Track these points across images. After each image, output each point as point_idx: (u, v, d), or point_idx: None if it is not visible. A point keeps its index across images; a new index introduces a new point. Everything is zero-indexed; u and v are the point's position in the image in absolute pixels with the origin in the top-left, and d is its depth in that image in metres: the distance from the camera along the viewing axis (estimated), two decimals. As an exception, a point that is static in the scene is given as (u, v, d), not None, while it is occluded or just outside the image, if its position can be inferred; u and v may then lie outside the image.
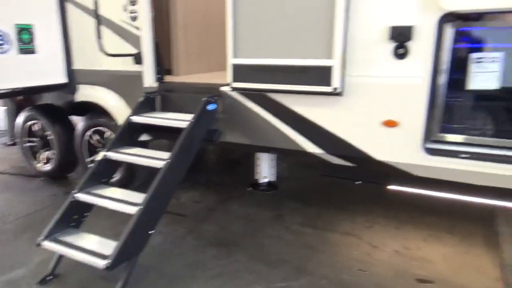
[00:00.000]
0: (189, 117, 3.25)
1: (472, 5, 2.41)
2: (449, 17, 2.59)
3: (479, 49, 2.70)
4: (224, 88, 3.44)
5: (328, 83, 2.87)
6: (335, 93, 2.89)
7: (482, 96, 2.81)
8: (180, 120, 3.31)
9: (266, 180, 4.50)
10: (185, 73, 4.41)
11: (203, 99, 3.33)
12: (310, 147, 3.24)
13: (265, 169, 4.46)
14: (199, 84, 3.78)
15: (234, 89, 3.31)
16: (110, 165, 3.39)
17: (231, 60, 3.19)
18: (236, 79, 3.23)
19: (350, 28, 2.80)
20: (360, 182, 3.98)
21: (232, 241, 3.47)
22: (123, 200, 2.94)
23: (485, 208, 3.97)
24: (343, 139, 3.09)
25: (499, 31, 2.67)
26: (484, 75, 2.69)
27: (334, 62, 2.81)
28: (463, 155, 2.77)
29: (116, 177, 4.13)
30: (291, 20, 2.92)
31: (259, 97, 3.30)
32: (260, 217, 3.94)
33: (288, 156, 4.88)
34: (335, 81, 2.85)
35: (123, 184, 4.03)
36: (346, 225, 3.81)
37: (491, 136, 2.80)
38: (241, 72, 3.18)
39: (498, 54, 2.64)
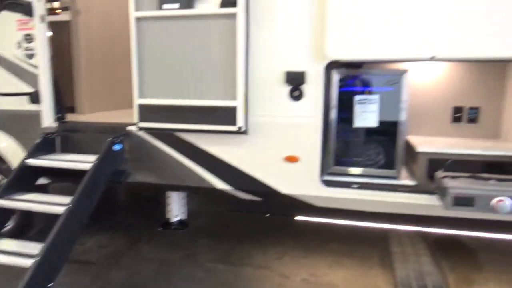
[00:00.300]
0: (93, 158, 3.13)
1: (352, 55, 2.79)
2: (334, 64, 2.96)
3: (360, 92, 3.11)
4: (131, 128, 3.40)
5: (233, 123, 3.03)
6: (240, 132, 3.05)
7: (367, 132, 3.20)
8: (83, 161, 3.17)
9: (177, 218, 4.44)
10: (90, 111, 4.25)
11: (108, 139, 3.25)
12: (219, 184, 3.33)
13: (176, 208, 4.41)
14: (104, 124, 3.68)
15: (141, 128, 3.30)
16: (1, 214, 3.08)
17: (137, 100, 3.20)
18: (142, 118, 3.23)
19: (251, 72, 3.03)
20: (268, 215, 4.15)
21: (143, 287, 3.33)
22: (17, 253, 2.69)
23: (379, 232, 4.41)
24: (250, 174, 3.24)
25: (377, 76, 3.11)
26: (365, 115, 3.10)
27: (238, 103, 2.99)
28: (354, 185, 3.09)
29: (9, 226, 3.73)
30: (196, 63, 3.06)
31: (167, 136, 3.33)
32: (172, 258, 3.85)
33: (198, 194, 4.90)
34: (240, 121, 3.02)
35: (18, 233, 3.65)
36: (258, 258, 3.91)
37: (376, 167, 3.18)
38: (147, 112, 3.19)
39: (376, 96, 3.07)
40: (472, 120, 3.56)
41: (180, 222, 4.48)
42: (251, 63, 3.01)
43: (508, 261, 3.80)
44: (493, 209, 2.39)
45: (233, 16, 2.86)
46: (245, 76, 2.96)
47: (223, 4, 2.88)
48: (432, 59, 2.66)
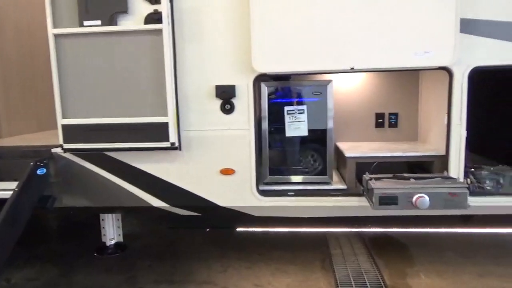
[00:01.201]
0: (13, 185, 2.91)
1: (276, 69, 2.89)
2: (263, 77, 3.05)
3: (290, 103, 3.23)
4: (56, 150, 3.21)
5: (165, 139, 2.99)
6: (173, 148, 3.02)
7: (299, 141, 3.32)
8: (2, 190, 2.93)
9: (113, 242, 4.24)
10: (8, 134, 3.95)
11: (30, 163, 3.04)
12: (155, 202, 3.25)
13: (111, 231, 4.22)
14: (25, 147, 3.43)
15: (67, 150, 3.13)
16: None
17: (61, 121, 3.04)
18: (68, 140, 3.07)
19: (181, 87, 3.02)
20: (209, 229, 4.13)
21: (78, 318, 3.14)
22: None
23: (320, 236, 4.55)
24: (186, 190, 3.21)
25: (303, 87, 3.25)
26: (296, 124, 3.22)
27: (169, 119, 2.95)
28: (290, 193, 3.18)
29: None
30: (123, 80, 2.98)
31: (96, 156, 3.19)
32: (110, 284, 3.66)
33: (135, 214, 4.74)
34: (172, 137, 2.98)
35: None
36: (203, 274, 3.85)
37: (309, 174, 3.30)
38: (73, 133, 3.04)
39: (304, 107, 3.20)
40: (393, 124, 3.85)
41: (117, 245, 4.28)
42: (181, 78, 3.01)
43: (435, 253, 4.11)
44: (414, 205, 2.59)
45: (158, 32, 2.84)
46: (175, 92, 2.94)
47: (147, 21, 2.85)
48: (352, 70, 2.85)
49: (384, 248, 4.32)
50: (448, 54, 2.74)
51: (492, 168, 3.26)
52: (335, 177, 3.51)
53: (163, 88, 2.91)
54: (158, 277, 3.79)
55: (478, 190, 3.16)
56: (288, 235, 4.57)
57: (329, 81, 3.21)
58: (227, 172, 3.13)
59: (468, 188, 3.12)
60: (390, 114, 3.84)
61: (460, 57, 2.78)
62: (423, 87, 3.67)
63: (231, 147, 3.09)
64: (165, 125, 2.96)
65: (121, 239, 4.38)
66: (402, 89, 3.82)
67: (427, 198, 2.56)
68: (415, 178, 2.76)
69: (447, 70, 2.85)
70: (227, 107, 3.03)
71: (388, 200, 2.61)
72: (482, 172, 3.26)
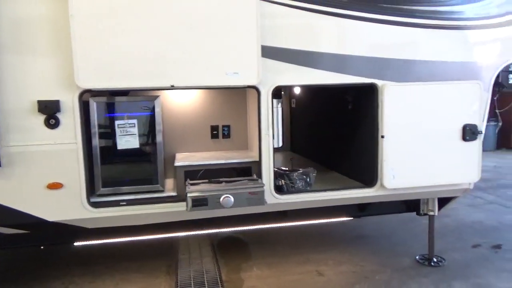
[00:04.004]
0: None
1: (100, 85, 3.03)
2: (89, 93, 3.16)
3: (120, 117, 3.40)
4: None
5: (-20, 156, 2.88)
6: (-8, 165, 2.92)
7: (131, 153, 3.49)
8: None
9: None
10: None
11: None
12: (-26, 222, 3.08)
13: None
14: None
15: None
16: None
17: None
18: None
19: (1, 101, 2.95)
20: (43, 247, 4.02)
21: None
22: None
23: (170, 242, 4.76)
24: (10, 207, 3.11)
25: (132, 103, 3.46)
26: (127, 138, 3.40)
27: (-16, 135, 2.87)
28: (122, 203, 3.33)
29: None
30: None
31: None
32: None
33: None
34: (-12, 153, 2.89)
35: None
36: (40, 294, 3.74)
37: (142, 184, 3.50)
38: None
39: (134, 121, 3.41)
40: (226, 136, 4.30)
41: None
42: (0, 92, 2.94)
43: (268, 248, 4.67)
44: (221, 205, 2.98)
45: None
46: (-10, 106, 2.87)
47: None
48: (172, 87, 3.15)
49: (228, 249, 4.75)
50: (253, 75, 3.24)
51: (301, 170, 3.89)
52: (170, 185, 3.78)
53: (-25, 103, 2.82)
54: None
55: (291, 189, 3.75)
56: (137, 245, 4.68)
57: (156, 96, 3.48)
58: (54, 186, 3.14)
59: (281, 187, 3.71)
60: (223, 126, 4.30)
61: (265, 77, 3.30)
62: (249, 102, 4.20)
63: (58, 161, 3.11)
64: (-21, 141, 2.86)
65: None
66: (233, 103, 4.30)
67: (231, 198, 2.98)
68: (226, 182, 3.17)
69: (255, 88, 3.35)
70: (52, 121, 3.06)
71: (199, 202, 2.95)
72: (294, 174, 3.87)
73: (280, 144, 6.17)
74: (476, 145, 3.71)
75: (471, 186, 3.91)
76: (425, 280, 3.85)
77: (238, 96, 4.28)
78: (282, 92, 6.09)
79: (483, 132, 3.74)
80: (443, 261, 4.21)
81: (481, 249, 4.57)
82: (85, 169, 3.18)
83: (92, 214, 3.26)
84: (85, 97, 3.23)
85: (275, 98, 4.31)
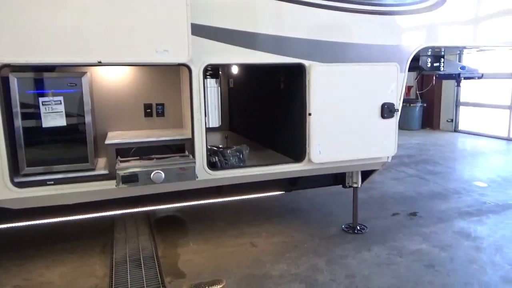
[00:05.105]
0: None
1: (19, 60, 2.89)
2: (9, 68, 3.01)
3: (45, 94, 3.28)
4: None
5: None
6: None
7: (59, 131, 3.39)
8: None
9: None
10: None
11: None
12: None
13: None
14: None
15: None
16: None
17: None
18: None
19: None
20: None
21: None
22: None
23: (107, 222, 4.73)
24: None
25: (58, 79, 3.35)
26: (53, 115, 3.30)
27: None
28: (50, 182, 3.25)
29: None
30: None
31: None
32: None
33: None
34: None
35: None
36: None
37: (71, 162, 3.44)
38: None
39: (60, 98, 3.31)
40: (160, 114, 4.31)
41: None
42: None
43: (207, 223, 4.80)
44: (152, 181, 3.04)
45: None
46: None
47: None
48: (100, 63, 3.09)
49: (165, 226, 4.82)
50: (183, 53, 3.26)
51: (234, 148, 4.03)
52: (102, 164, 3.74)
53: None
54: None
55: (225, 166, 3.88)
56: (71, 226, 4.59)
57: (84, 73, 3.39)
58: (-28, 166, 2.99)
59: (215, 164, 3.82)
60: (157, 104, 4.29)
61: (195, 56, 3.34)
62: (183, 81, 4.22)
63: (-26, 141, 2.97)
64: None
65: None
66: (167, 81, 4.29)
67: (162, 173, 3.04)
68: (157, 158, 3.21)
69: (187, 67, 3.39)
70: (-34, 98, 2.90)
71: (129, 178, 2.98)
72: (228, 150, 4.00)
73: (219, 124, 6.25)
74: (393, 122, 4.06)
75: (389, 160, 4.30)
76: (349, 246, 4.21)
77: (172, 74, 4.27)
78: (220, 72, 6.14)
79: (399, 110, 4.11)
80: (366, 229, 4.62)
81: (399, 217, 5.06)
82: (6, 148, 3.05)
83: (16, 194, 3.15)
84: (4, 72, 3.08)
85: (213, 77, 4.36)
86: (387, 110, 4.01)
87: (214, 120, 4.23)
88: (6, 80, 3.15)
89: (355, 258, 3.95)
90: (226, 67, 5.67)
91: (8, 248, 4.17)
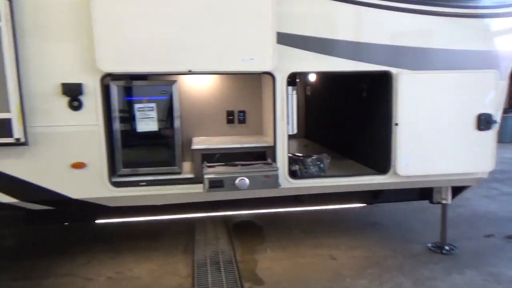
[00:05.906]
0: None
1: (121, 69, 3.16)
2: (110, 77, 3.29)
3: (140, 101, 3.53)
4: None
5: (10, 135, 3.05)
6: (19, 143, 3.09)
7: (151, 136, 3.63)
8: None
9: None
10: None
11: None
12: (4, 198, 3.27)
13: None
14: None
15: None
16: None
17: None
18: None
19: (26, 83, 3.10)
20: (67, 223, 4.24)
21: None
22: None
23: (187, 223, 4.93)
24: (37, 185, 3.29)
25: (151, 87, 3.58)
26: (146, 121, 3.53)
27: (12, 115, 3.03)
28: (142, 183, 3.48)
29: None
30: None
31: None
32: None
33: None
34: (17, 132, 3.06)
35: None
36: (64, 267, 3.96)
37: (160, 165, 3.64)
38: None
39: (153, 104, 3.54)
40: (242, 121, 4.40)
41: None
42: (25, 75, 3.09)
43: (283, 231, 4.78)
44: (237, 187, 3.09)
45: (-3, 29, 2.91)
46: (18, 88, 3.03)
47: (-14, 18, 2.90)
48: (190, 72, 3.25)
49: (243, 231, 4.88)
50: (268, 61, 3.30)
51: (314, 156, 3.96)
52: (188, 167, 3.91)
53: (4, 84, 2.97)
54: (14, 275, 3.79)
55: (305, 174, 3.83)
56: (156, 225, 4.87)
57: (174, 81, 3.59)
58: (78, 165, 3.30)
59: (295, 172, 3.79)
60: (239, 111, 4.39)
61: (280, 64, 3.36)
62: (264, 88, 4.27)
63: (82, 142, 3.27)
64: (8, 121, 3.02)
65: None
66: (248, 89, 4.38)
67: (247, 180, 3.08)
68: (242, 165, 3.27)
69: (270, 75, 3.42)
70: (75, 104, 3.21)
71: (215, 184, 3.07)
72: (308, 159, 3.95)
73: (295, 131, 6.24)
74: (490, 134, 3.70)
75: (485, 176, 3.92)
76: (437, 267, 3.89)
77: (253, 82, 4.35)
78: (297, 80, 6.13)
79: (498, 121, 3.73)
80: (455, 249, 4.24)
81: (494, 239, 4.57)
82: (107, 150, 3.33)
83: (113, 193, 3.42)
84: (107, 80, 3.37)
85: (290, 85, 4.36)
86: (484, 122, 3.67)
87: (291, 128, 4.22)
88: (107, 88, 3.45)
89: (445, 281, 3.64)
90: (303, 74, 5.64)
91: (101, 241, 4.54)
